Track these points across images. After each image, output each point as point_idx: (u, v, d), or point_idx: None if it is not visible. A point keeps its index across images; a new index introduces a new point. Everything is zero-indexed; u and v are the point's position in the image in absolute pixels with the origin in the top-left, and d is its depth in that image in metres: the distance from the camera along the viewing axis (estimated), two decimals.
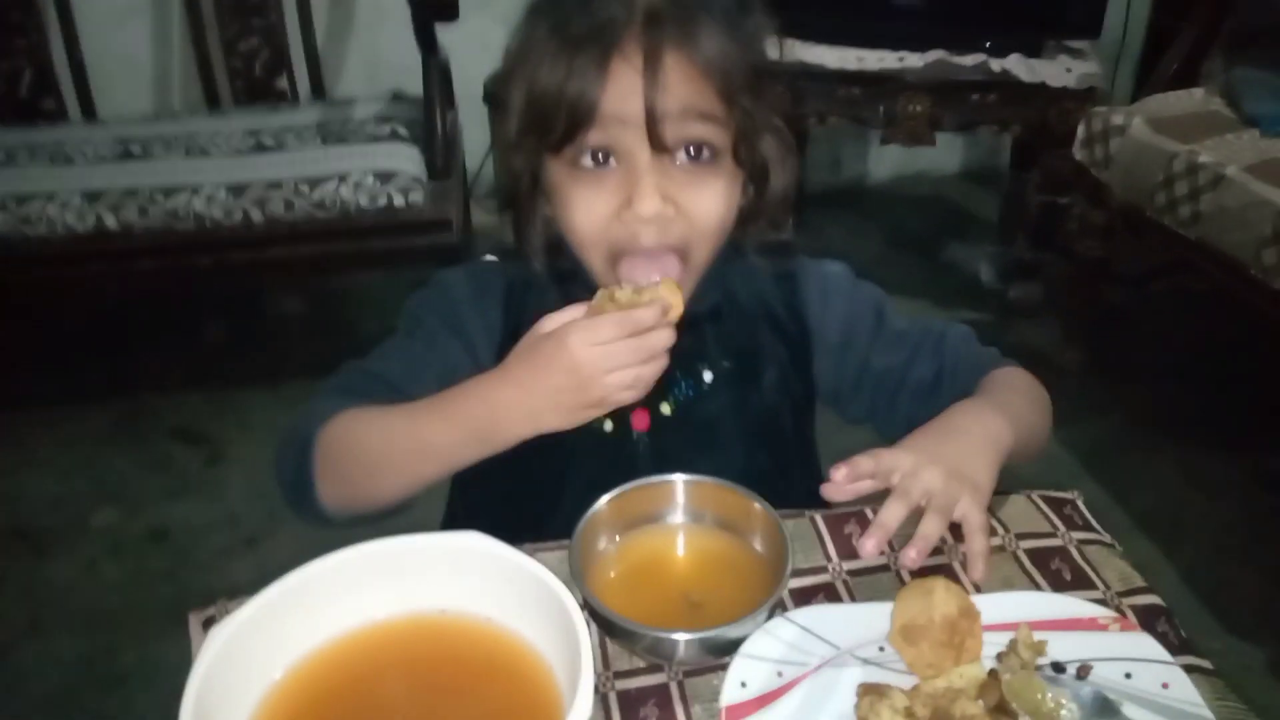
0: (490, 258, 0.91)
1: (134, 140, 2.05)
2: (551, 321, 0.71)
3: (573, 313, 0.71)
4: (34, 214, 1.86)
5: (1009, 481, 0.84)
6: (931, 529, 0.68)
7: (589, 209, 0.76)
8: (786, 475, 0.90)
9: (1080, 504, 0.81)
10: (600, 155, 0.75)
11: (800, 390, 0.90)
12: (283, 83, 2.30)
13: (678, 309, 0.71)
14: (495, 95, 0.86)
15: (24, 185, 1.90)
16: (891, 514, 0.68)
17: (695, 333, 0.84)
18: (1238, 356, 2.19)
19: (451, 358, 0.84)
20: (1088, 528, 0.78)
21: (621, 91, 0.73)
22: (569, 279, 0.83)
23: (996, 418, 0.77)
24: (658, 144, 0.73)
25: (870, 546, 0.68)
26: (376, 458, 0.75)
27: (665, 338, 0.70)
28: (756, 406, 0.87)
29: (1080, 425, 2.03)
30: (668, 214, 0.75)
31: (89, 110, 2.27)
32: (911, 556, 0.68)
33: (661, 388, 0.83)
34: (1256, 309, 1.70)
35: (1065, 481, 0.85)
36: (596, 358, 0.68)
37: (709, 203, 0.77)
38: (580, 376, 0.68)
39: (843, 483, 0.69)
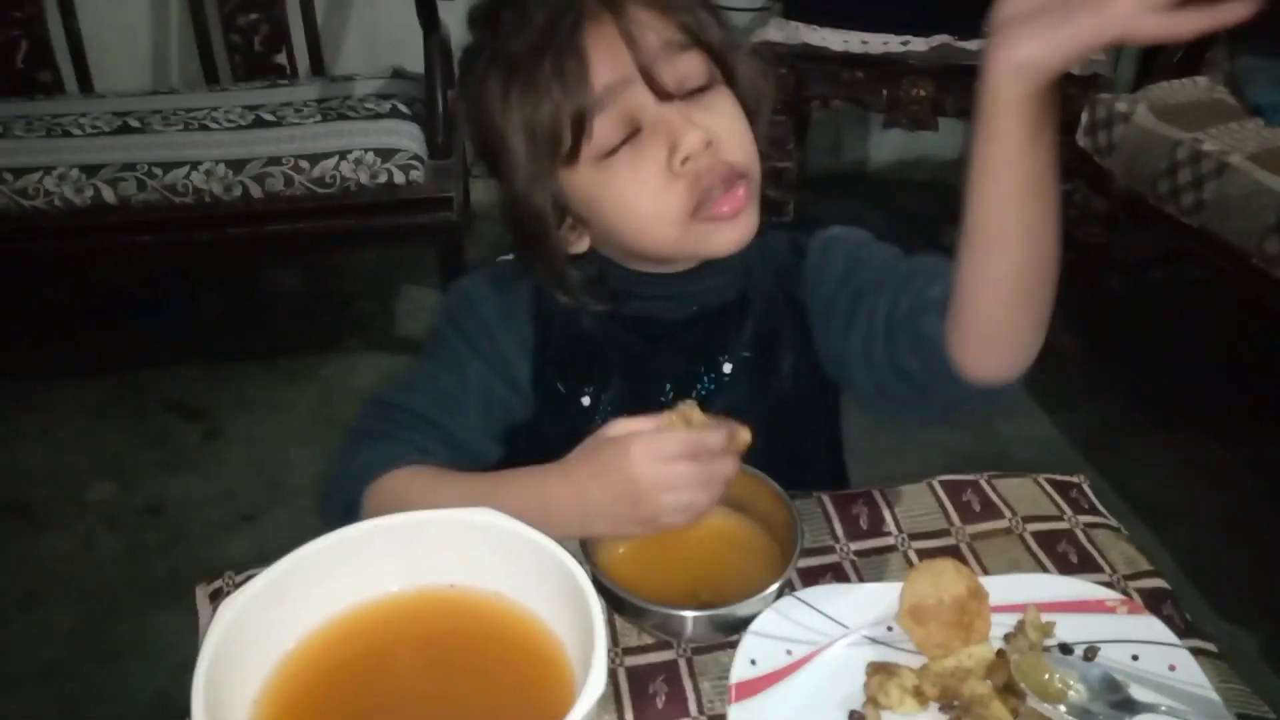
0: (508, 257, 0.87)
1: (132, 114, 2.03)
2: (619, 427, 0.69)
3: (642, 424, 0.68)
4: (30, 187, 1.85)
5: (1015, 465, 0.84)
6: None
7: (641, 182, 0.74)
8: (808, 465, 0.89)
9: (1086, 488, 0.82)
10: (618, 135, 0.74)
11: (820, 374, 0.86)
12: (282, 59, 2.28)
13: (744, 443, 0.69)
14: (483, 154, 0.82)
15: (20, 158, 1.88)
16: None
17: (719, 324, 0.84)
18: (1237, 345, 2.19)
19: (486, 384, 0.82)
20: (1094, 511, 0.79)
21: (605, 62, 0.72)
22: (598, 283, 0.82)
23: None
24: (660, 90, 0.73)
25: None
26: None
27: (729, 468, 0.68)
28: (775, 395, 0.85)
29: (1079, 411, 2.04)
30: (711, 142, 0.73)
31: (86, 84, 2.25)
32: None
33: (683, 384, 0.82)
34: (1257, 298, 1.70)
35: (1062, 466, 0.84)
36: (656, 474, 0.66)
37: (729, 121, 0.76)
38: (637, 490, 0.66)
39: None
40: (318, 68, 2.32)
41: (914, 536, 0.75)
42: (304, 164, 1.89)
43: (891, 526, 0.76)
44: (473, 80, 0.77)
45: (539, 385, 0.84)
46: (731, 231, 0.75)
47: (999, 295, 0.65)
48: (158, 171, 1.87)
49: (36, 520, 1.83)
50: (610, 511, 0.68)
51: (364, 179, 1.91)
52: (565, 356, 0.84)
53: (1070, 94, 2.10)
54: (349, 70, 2.35)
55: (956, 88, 2.15)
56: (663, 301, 0.83)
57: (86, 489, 1.89)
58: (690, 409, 0.69)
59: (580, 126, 0.73)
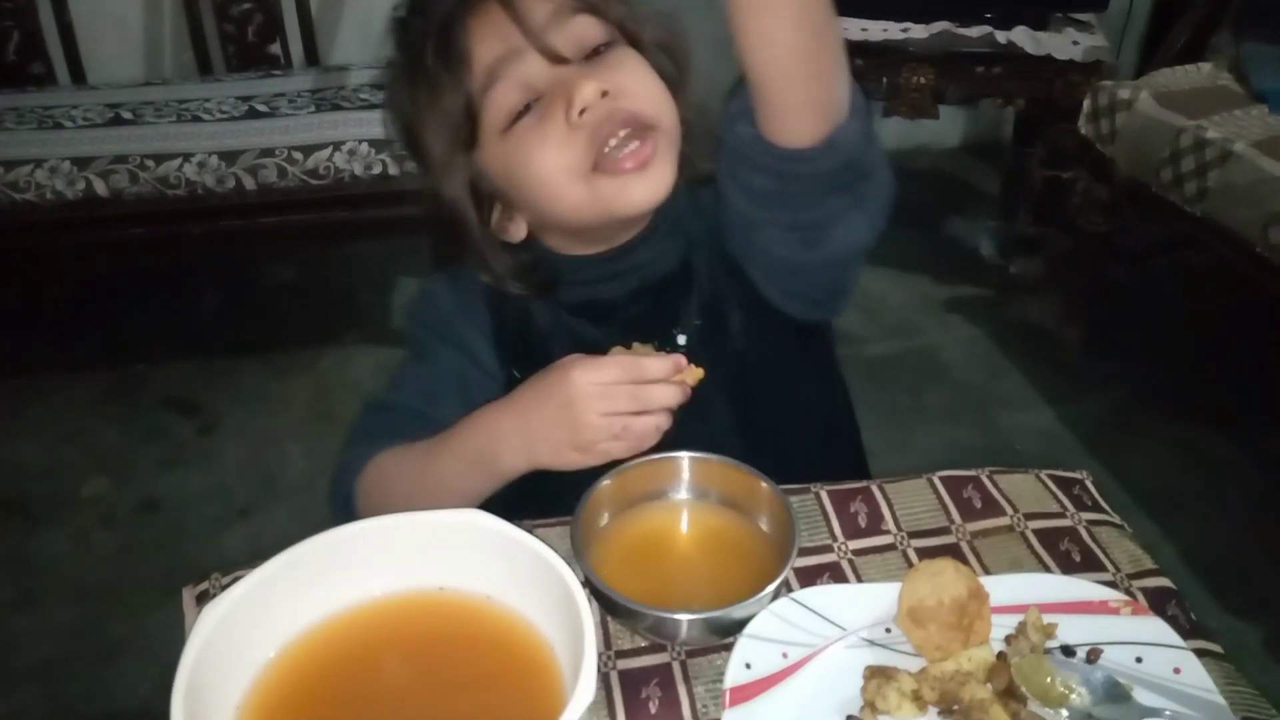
0: None
1: (124, 106, 2.01)
2: (569, 357, 0.69)
3: (594, 357, 0.69)
4: (22, 180, 1.83)
5: (1016, 460, 0.83)
6: None
7: (544, 141, 0.73)
8: (791, 425, 0.88)
9: (1089, 484, 0.80)
10: (517, 103, 0.73)
11: (776, 322, 0.84)
12: (276, 49, 2.26)
13: (695, 376, 0.69)
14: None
15: (11, 151, 1.86)
16: None
17: (665, 296, 0.83)
18: (1241, 334, 2.18)
19: (458, 369, 0.84)
20: (1097, 508, 0.77)
21: (490, 39, 0.73)
22: (530, 270, 0.82)
23: None
24: (552, 55, 0.73)
25: None
26: (403, 502, 0.74)
27: (668, 394, 0.68)
28: (733, 358, 0.83)
29: (1081, 402, 2.03)
30: (608, 91, 0.72)
31: (78, 75, 2.23)
32: None
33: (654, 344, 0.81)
34: (1261, 286, 1.68)
35: (1065, 458, 0.83)
36: (592, 394, 0.67)
37: (637, 77, 0.75)
38: (574, 412, 0.67)
39: None
40: (312, 58, 2.30)
41: (913, 534, 0.74)
42: (298, 155, 1.88)
43: (890, 524, 0.75)
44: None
45: (502, 371, 0.85)
46: (639, 186, 0.73)
47: (786, 46, 0.63)
48: (150, 163, 1.85)
49: (31, 517, 1.82)
50: (550, 435, 0.69)
51: (358, 170, 1.89)
52: (518, 345, 0.85)
53: (1072, 81, 2.09)
54: (343, 60, 2.33)
55: (957, 75, 2.13)
56: (604, 283, 0.83)
57: (81, 485, 1.88)
58: (645, 348, 0.70)
59: (471, 108, 0.73)
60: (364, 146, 1.88)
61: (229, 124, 1.95)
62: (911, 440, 1.89)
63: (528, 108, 0.73)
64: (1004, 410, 2.02)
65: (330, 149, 1.88)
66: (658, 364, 0.68)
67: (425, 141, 0.77)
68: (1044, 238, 2.31)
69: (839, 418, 0.95)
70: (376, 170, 1.89)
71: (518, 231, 0.81)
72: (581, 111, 0.71)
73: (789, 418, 0.88)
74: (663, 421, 0.69)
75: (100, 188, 1.85)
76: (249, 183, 1.87)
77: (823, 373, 0.92)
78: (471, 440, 0.74)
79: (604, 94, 0.71)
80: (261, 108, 2.00)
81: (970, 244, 2.56)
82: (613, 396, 0.67)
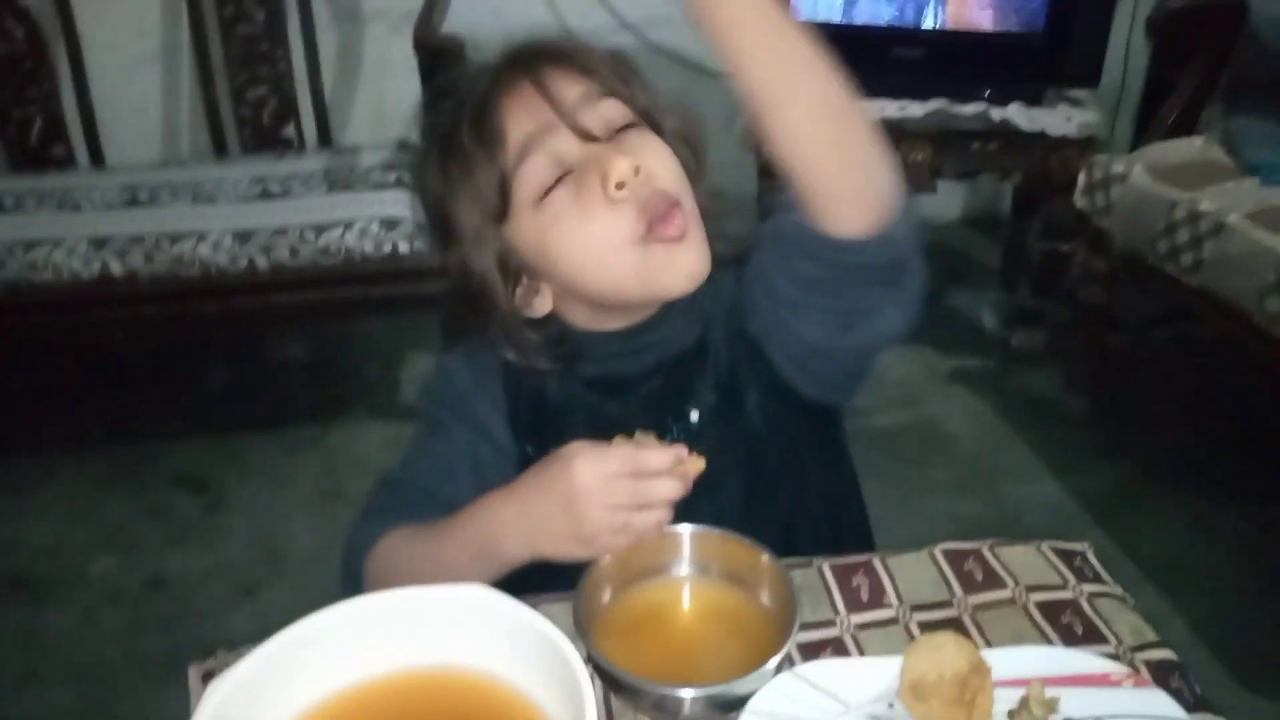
0: None
1: (141, 187, 2.07)
2: (571, 446, 0.70)
3: (594, 445, 0.70)
4: (40, 260, 1.87)
5: (1023, 533, 0.83)
6: None
7: (584, 215, 0.75)
8: (801, 506, 0.88)
9: (1091, 555, 0.80)
10: (549, 176, 0.76)
11: (792, 403, 0.85)
12: (290, 131, 2.33)
13: (696, 468, 0.70)
14: (435, 235, 0.84)
15: (31, 232, 1.91)
16: None
17: (681, 372, 0.84)
18: (1245, 404, 2.18)
19: (471, 446, 0.85)
20: (1098, 580, 0.77)
21: (523, 116, 0.76)
22: (554, 345, 0.84)
23: None
24: (583, 133, 0.76)
25: None
26: (409, 584, 0.75)
27: (669, 488, 0.69)
28: (747, 436, 0.85)
29: (1087, 473, 2.02)
30: (639, 168, 0.75)
31: (97, 157, 2.30)
32: None
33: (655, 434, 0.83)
34: (1261, 356, 1.69)
35: (1072, 530, 0.83)
36: (594, 488, 0.68)
37: (659, 155, 0.78)
38: (576, 505, 0.68)
39: None
40: (325, 139, 2.36)
41: (916, 608, 0.74)
42: (310, 234, 1.92)
43: (893, 597, 0.75)
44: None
45: (516, 448, 0.86)
46: (686, 257, 0.76)
47: (811, 138, 0.66)
48: (165, 243, 1.89)
49: (38, 595, 1.82)
50: (551, 528, 0.70)
51: (369, 249, 1.93)
52: (533, 420, 0.86)
53: (1067, 156, 2.13)
54: (355, 142, 2.39)
55: (954, 151, 2.18)
56: (622, 358, 0.84)
57: (89, 562, 1.88)
58: (647, 437, 0.70)
59: (505, 182, 0.76)
60: (375, 225, 1.93)
61: (243, 205, 2.00)
62: (918, 512, 1.89)
63: (559, 181, 0.76)
64: (1010, 481, 2.02)
65: (341, 228, 1.92)
66: (659, 457, 0.69)
67: (456, 217, 0.79)
68: (1044, 309, 2.33)
69: (848, 502, 0.96)
70: (387, 249, 1.93)
71: (542, 305, 0.83)
72: (618, 185, 0.74)
73: (798, 499, 0.89)
74: (664, 517, 0.69)
75: (116, 267, 1.89)
76: (262, 262, 1.91)
77: (833, 456, 0.93)
78: (475, 529, 0.74)
79: (636, 170, 0.74)
80: (275, 188, 2.05)
81: (973, 316, 2.58)
82: (614, 491, 0.68)
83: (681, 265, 0.76)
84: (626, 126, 0.78)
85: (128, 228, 1.92)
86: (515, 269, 0.81)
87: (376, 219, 1.93)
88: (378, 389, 2.40)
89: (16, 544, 1.93)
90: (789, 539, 0.81)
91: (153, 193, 2.05)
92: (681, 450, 0.70)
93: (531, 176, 0.76)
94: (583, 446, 0.69)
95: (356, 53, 2.55)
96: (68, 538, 1.95)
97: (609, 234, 0.75)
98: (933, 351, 2.42)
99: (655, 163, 0.77)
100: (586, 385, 0.85)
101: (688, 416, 0.84)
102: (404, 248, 1.93)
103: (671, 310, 0.82)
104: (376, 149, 2.24)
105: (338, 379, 2.47)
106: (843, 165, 0.68)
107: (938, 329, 2.52)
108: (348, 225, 1.92)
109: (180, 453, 2.17)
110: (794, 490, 0.88)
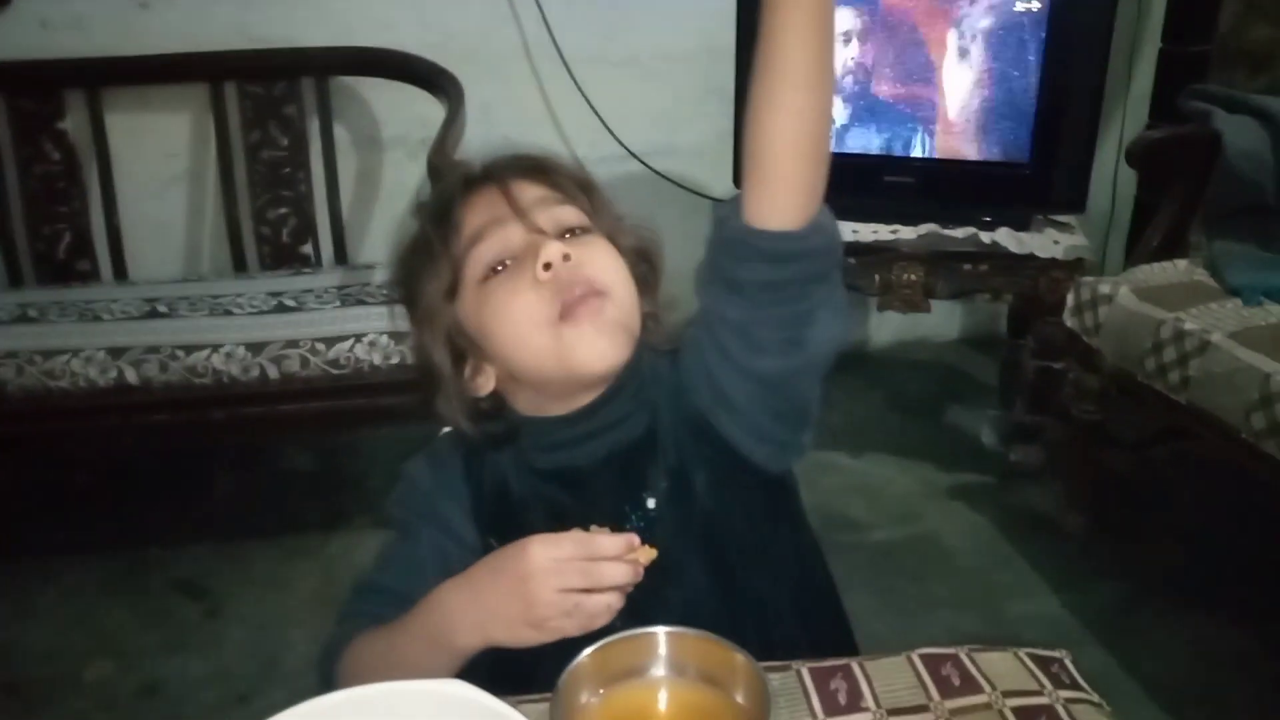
0: (446, 430, 0.95)
1: (161, 300, 2.14)
2: (528, 537, 0.74)
3: (551, 534, 0.74)
4: (58, 368, 1.92)
5: (998, 640, 0.85)
6: None
7: (514, 293, 0.82)
8: (762, 580, 0.89)
9: (1068, 662, 0.81)
10: (494, 259, 0.83)
11: (742, 479, 0.87)
12: (308, 249, 2.42)
13: (647, 556, 0.73)
14: (406, 308, 0.94)
15: (52, 341, 1.97)
16: None
17: (635, 461, 0.87)
18: (1242, 521, 2.18)
19: (439, 546, 0.89)
20: (1075, 686, 0.78)
21: (481, 210, 0.85)
22: (512, 434, 0.89)
23: None
24: (533, 226, 0.84)
25: None
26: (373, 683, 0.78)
27: (619, 572, 0.72)
28: (701, 516, 0.87)
29: (1086, 590, 2.01)
30: (570, 256, 0.81)
31: (121, 272, 2.39)
32: None
33: (613, 529, 0.85)
34: (1254, 472, 1.71)
35: (1073, 648, 0.84)
36: (548, 569, 0.71)
37: (601, 256, 0.85)
38: (528, 586, 0.71)
39: None
40: (341, 256, 2.45)
41: (893, 712, 0.75)
42: (320, 346, 1.97)
43: (870, 702, 0.76)
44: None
45: (480, 541, 0.89)
46: (595, 341, 0.81)
47: (788, 122, 0.75)
48: (180, 353, 1.95)
49: (30, 702, 1.81)
50: (504, 611, 0.72)
51: (377, 360, 1.98)
52: (495, 515, 0.89)
53: (1055, 277, 2.20)
54: (370, 259, 2.47)
55: (945, 272, 2.25)
56: (572, 448, 0.88)
57: (84, 669, 1.87)
58: (600, 530, 0.73)
59: (457, 263, 0.84)
60: (384, 338, 1.98)
61: (258, 317, 2.07)
62: (917, 628, 1.88)
63: (505, 266, 0.83)
64: (1009, 598, 2.00)
65: (352, 340, 1.98)
66: (611, 542, 0.72)
67: (417, 299, 0.87)
68: (1041, 426, 2.36)
69: (812, 570, 0.97)
70: (395, 360, 1.98)
71: (485, 384, 0.88)
72: (546, 266, 0.80)
73: (762, 573, 0.90)
74: (614, 601, 0.72)
75: (131, 376, 1.94)
76: (272, 372, 1.97)
77: (791, 525, 0.95)
78: (428, 620, 0.77)
79: (566, 257, 0.81)
80: (290, 302, 2.12)
81: (971, 432, 2.61)
82: (566, 573, 0.71)
83: (588, 349, 0.81)
84: (579, 230, 0.86)
85: (145, 338, 1.98)
86: (461, 347, 0.87)
87: (385, 332, 1.99)
88: (380, 498, 2.38)
89: (13, 650, 1.92)
90: (762, 616, 0.83)
91: (172, 305, 2.11)
92: (633, 538, 0.73)
93: (479, 259, 0.84)
94: (538, 535, 0.73)
95: (374, 176, 2.67)
96: (64, 643, 1.94)
97: (529, 312, 0.81)
98: (932, 467, 2.44)
99: (591, 255, 0.84)
100: (544, 478, 0.89)
101: (645, 505, 0.86)
102: (411, 359, 1.97)
103: (617, 395, 0.86)
104: (389, 266, 2.32)
105: (342, 488, 2.49)
106: (810, 157, 0.76)
107: (937, 445, 2.54)
108: (358, 338, 1.98)
109: (183, 559, 2.18)
110: (757, 566, 0.90)
